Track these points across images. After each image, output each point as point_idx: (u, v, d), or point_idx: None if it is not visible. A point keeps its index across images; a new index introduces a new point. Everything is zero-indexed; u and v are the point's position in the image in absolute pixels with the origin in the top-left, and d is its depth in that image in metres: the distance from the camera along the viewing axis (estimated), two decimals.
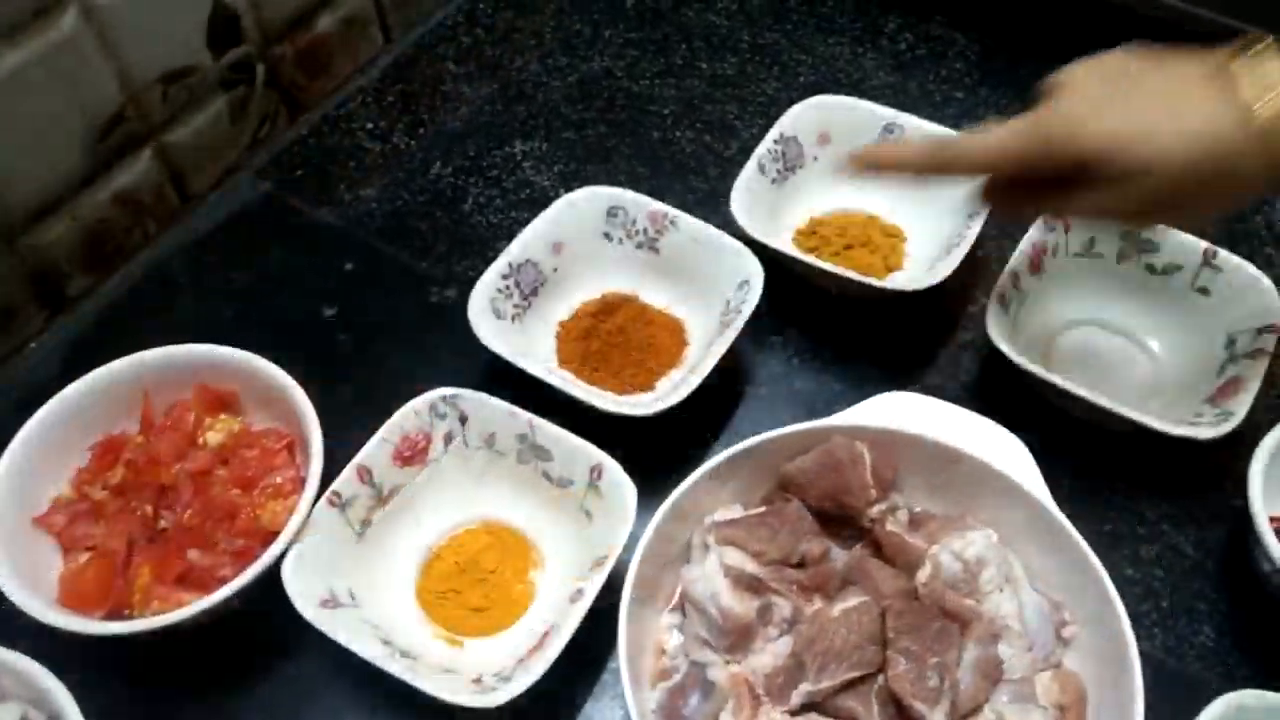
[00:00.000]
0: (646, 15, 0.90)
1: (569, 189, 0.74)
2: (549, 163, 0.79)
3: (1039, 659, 0.50)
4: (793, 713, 0.48)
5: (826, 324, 0.69)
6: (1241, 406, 0.57)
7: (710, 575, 0.51)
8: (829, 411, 0.59)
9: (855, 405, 0.57)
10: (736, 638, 0.50)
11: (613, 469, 0.55)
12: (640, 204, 0.67)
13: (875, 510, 0.54)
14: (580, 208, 0.67)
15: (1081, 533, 0.59)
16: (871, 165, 0.55)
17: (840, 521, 0.55)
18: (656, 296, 0.68)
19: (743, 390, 0.66)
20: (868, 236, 0.71)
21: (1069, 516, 0.60)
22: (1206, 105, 0.45)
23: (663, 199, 0.71)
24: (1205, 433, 0.57)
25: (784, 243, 0.71)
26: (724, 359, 0.61)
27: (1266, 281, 0.63)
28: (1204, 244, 0.65)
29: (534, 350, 0.65)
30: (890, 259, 0.71)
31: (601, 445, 0.57)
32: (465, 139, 0.80)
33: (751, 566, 0.51)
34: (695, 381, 0.59)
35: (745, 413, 0.65)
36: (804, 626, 0.49)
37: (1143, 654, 0.47)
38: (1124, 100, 0.47)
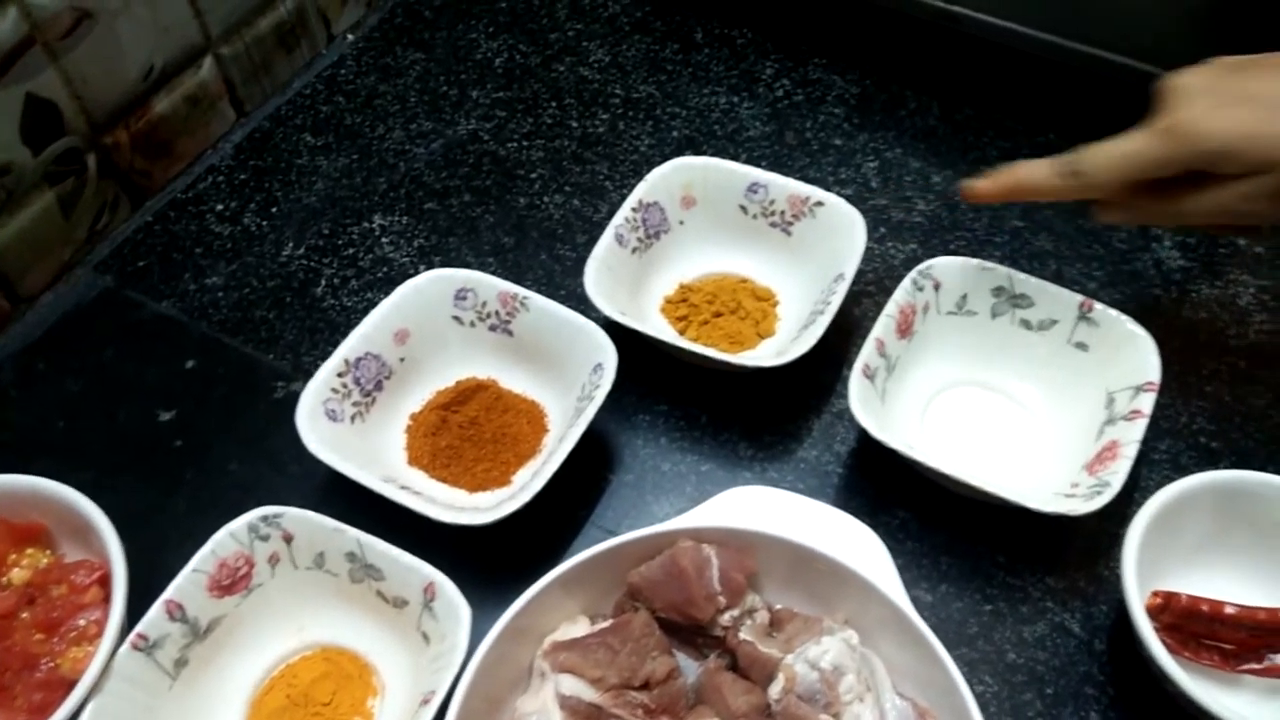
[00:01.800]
0: (515, 73, 0.86)
1: (429, 265, 0.70)
2: (409, 237, 0.75)
3: None
4: None
5: (696, 398, 0.66)
6: (1117, 477, 0.54)
7: (545, 708, 0.47)
8: (702, 496, 0.56)
9: (707, 501, 0.53)
10: None
11: (445, 587, 0.51)
12: (490, 285, 0.63)
13: (727, 617, 0.50)
14: (426, 292, 0.63)
15: (962, 615, 0.57)
16: (998, 194, 0.57)
17: (693, 630, 0.51)
18: (515, 381, 0.65)
19: (608, 478, 0.63)
20: (738, 302, 0.68)
21: (947, 596, 0.58)
22: None
23: (527, 271, 0.68)
24: (1079, 508, 0.53)
25: (650, 314, 0.68)
26: (586, 444, 0.57)
27: (1144, 336, 0.60)
28: (1080, 297, 0.62)
29: (382, 450, 0.61)
30: (762, 325, 0.67)
31: (449, 555, 0.53)
32: (320, 216, 0.76)
33: (590, 695, 0.47)
34: (547, 475, 0.55)
35: (610, 503, 0.61)
36: None
37: None
38: (1243, 98, 0.50)
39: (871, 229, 0.74)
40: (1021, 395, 0.64)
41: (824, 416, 0.65)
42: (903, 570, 0.58)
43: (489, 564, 0.57)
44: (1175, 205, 0.54)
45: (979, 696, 0.47)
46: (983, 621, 0.57)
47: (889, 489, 0.62)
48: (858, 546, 0.51)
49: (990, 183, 0.58)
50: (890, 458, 0.60)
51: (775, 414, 0.65)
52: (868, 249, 0.65)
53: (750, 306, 0.68)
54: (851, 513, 0.61)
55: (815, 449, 0.64)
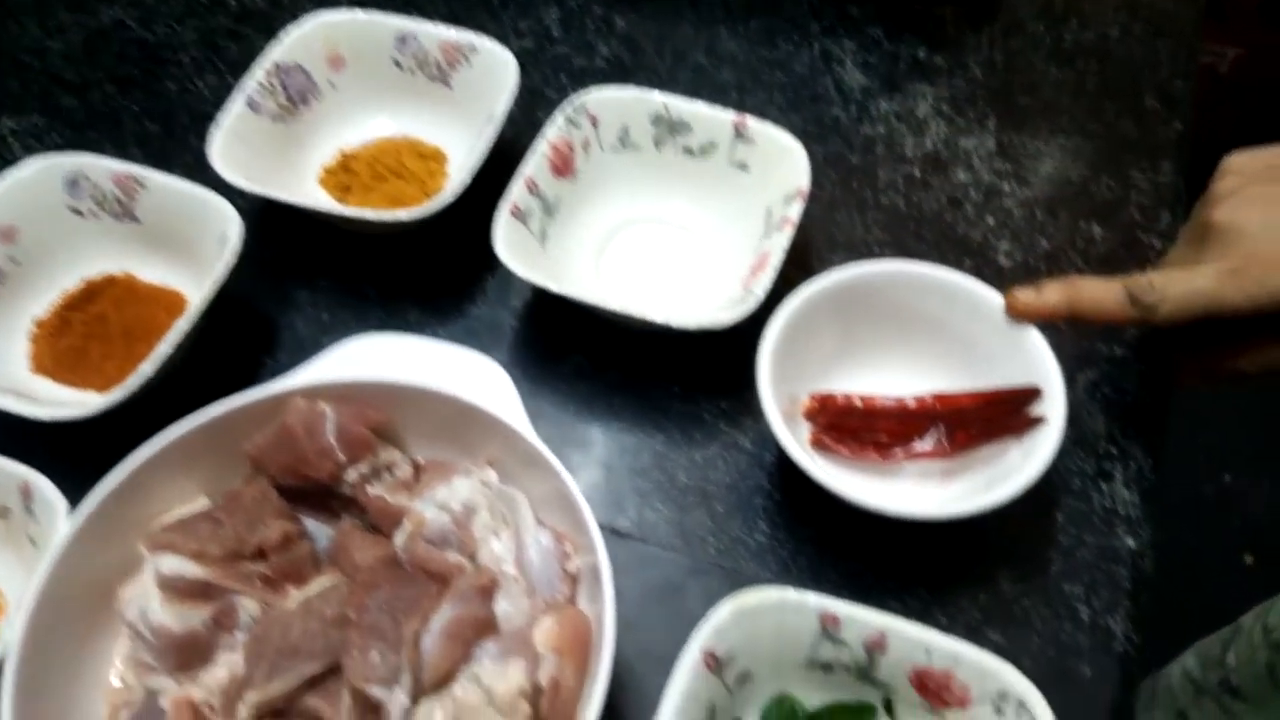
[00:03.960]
0: None
1: None
2: (42, 137, 0.68)
3: (542, 602, 0.45)
4: None
5: (362, 268, 0.62)
6: (761, 285, 0.53)
7: (144, 592, 0.43)
8: None
9: (321, 354, 0.50)
10: (182, 656, 0.43)
11: (40, 486, 0.46)
12: (102, 168, 0.58)
13: (354, 474, 0.47)
14: (30, 184, 0.57)
15: (635, 448, 0.56)
16: (1049, 312, 0.50)
17: (323, 495, 0.48)
18: (152, 272, 0.59)
19: (264, 361, 0.58)
20: (401, 164, 0.64)
21: (620, 432, 0.57)
22: None
23: (177, 158, 0.62)
24: (720, 319, 0.52)
25: (307, 186, 0.63)
26: (235, 325, 0.53)
27: (796, 147, 0.59)
28: (732, 115, 0.60)
29: (6, 360, 0.56)
30: (429, 185, 0.64)
31: (68, 459, 0.48)
32: None
33: (194, 571, 0.43)
34: (159, 359, 0.50)
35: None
36: (256, 626, 0.43)
37: (695, 562, 0.46)
38: None
39: (553, 77, 0.71)
40: (694, 224, 0.62)
41: (498, 272, 0.62)
42: (576, 412, 0.57)
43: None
44: (1261, 356, 0.49)
45: (649, 523, 0.46)
46: (655, 451, 0.56)
47: (564, 337, 0.59)
48: (486, 384, 0.49)
49: (1040, 298, 0.50)
50: (563, 306, 0.58)
51: (445, 274, 0.62)
52: (547, 98, 0.62)
53: (415, 167, 0.64)
54: (525, 364, 0.59)
55: (488, 306, 0.61)
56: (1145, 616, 0.51)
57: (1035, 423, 0.49)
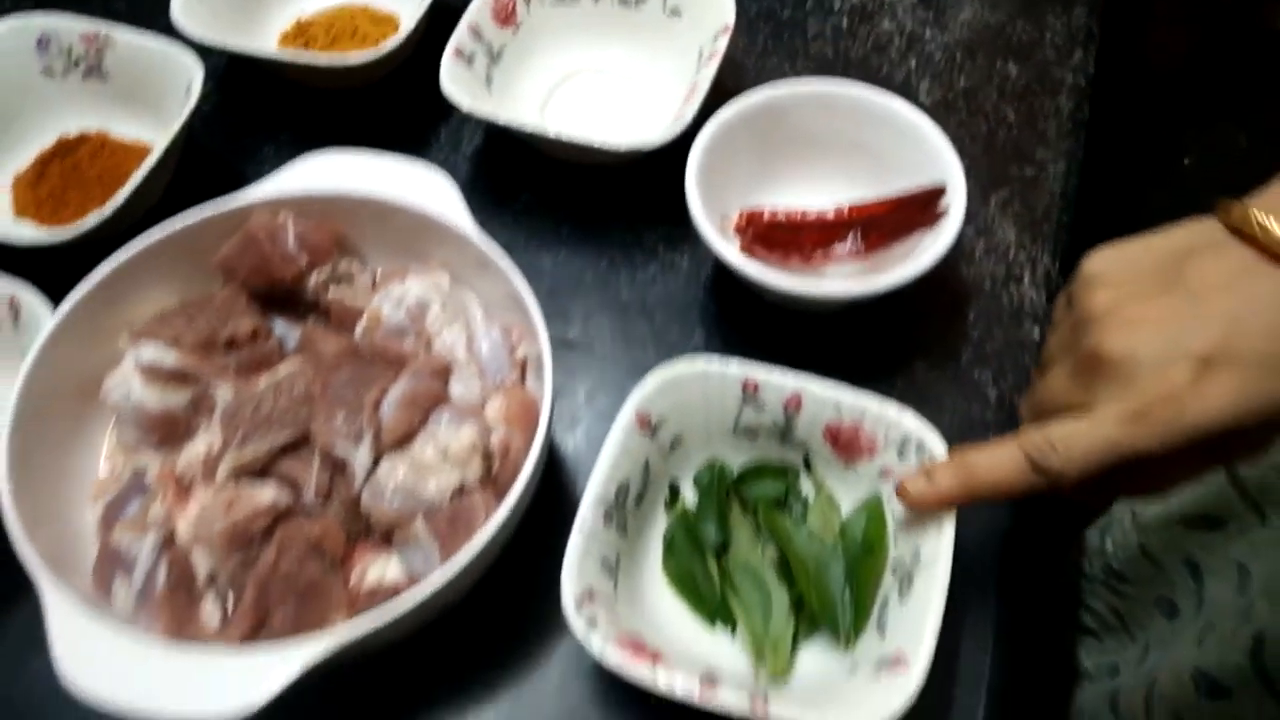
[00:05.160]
0: None
1: None
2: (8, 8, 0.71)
3: (492, 385, 0.50)
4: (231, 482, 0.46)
5: (315, 118, 0.66)
6: (689, 111, 0.57)
7: (125, 379, 0.47)
8: None
9: (279, 170, 0.54)
10: (164, 433, 0.47)
11: (28, 300, 0.50)
12: (69, 27, 0.61)
13: (316, 279, 0.51)
14: (3, 47, 0.61)
15: (579, 271, 0.61)
16: (948, 497, 0.44)
17: (287, 301, 0.52)
18: (125, 128, 0.63)
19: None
20: (355, 26, 0.68)
21: (568, 258, 0.61)
22: None
23: (151, 20, 0.65)
24: (653, 140, 0.57)
25: (266, 49, 0.67)
26: (195, 167, 0.57)
27: None
28: None
29: None
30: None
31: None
32: None
33: (172, 359, 0.48)
34: (128, 190, 0.54)
35: None
36: (229, 404, 0.47)
37: (636, 365, 0.49)
38: (1216, 331, 0.38)
39: None
40: (633, 73, 0.66)
41: (450, 120, 0.66)
42: (526, 245, 0.61)
43: None
44: (1160, 481, 0.43)
45: (593, 334, 0.51)
46: (599, 272, 0.60)
47: (513, 177, 0.64)
48: (437, 195, 0.52)
49: (932, 486, 0.44)
50: (511, 149, 0.62)
51: (401, 126, 0.66)
52: None
53: (369, 31, 0.68)
54: (478, 204, 0.62)
55: (442, 152, 0.65)
56: None
57: (941, 216, 0.54)
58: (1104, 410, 0.40)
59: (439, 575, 0.41)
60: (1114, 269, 0.41)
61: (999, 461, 0.42)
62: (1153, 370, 0.39)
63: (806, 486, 0.50)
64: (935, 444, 0.46)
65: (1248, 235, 0.38)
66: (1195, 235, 0.40)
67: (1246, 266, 0.38)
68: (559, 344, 0.55)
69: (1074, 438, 0.40)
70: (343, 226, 0.52)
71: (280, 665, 0.39)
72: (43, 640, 0.40)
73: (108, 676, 0.38)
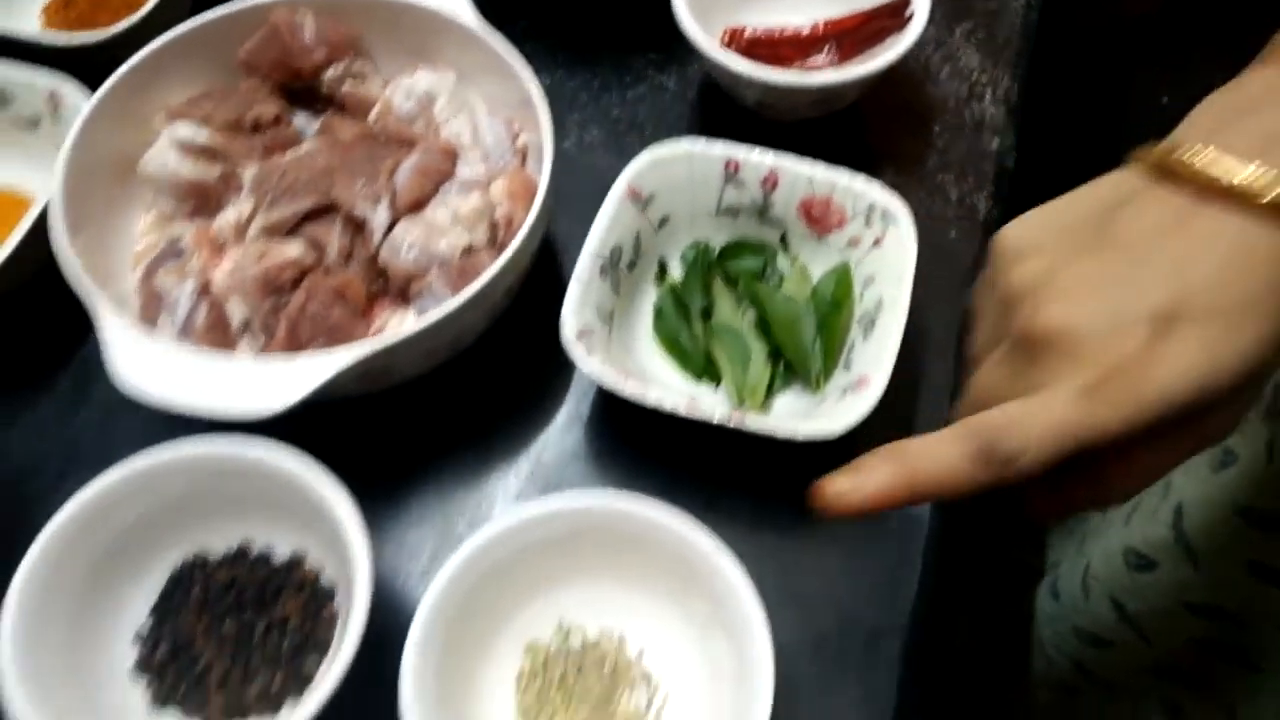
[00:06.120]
0: None
1: None
2: None
3: (496, 168, 0.54)
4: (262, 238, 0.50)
5: None
6: None
7: (161, 153, 0.52)
8: None
9: None
10: (198, 202, 0.52)
11: (70, 94, 0.55)
12: None
13: (333, 72, 0.56)
14: None
15: (574, 92, 0.65)
16: (880, 499, 0.35)
17: (306, 94, 0.57)
18: None
19: None
20: None
21: (562, 81, 0.65)
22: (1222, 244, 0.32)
23: None
24: None
25: None
26: None
27: None
28: None
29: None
30: None
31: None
32: None
33: (204, 137, 0.52)
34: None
35: None
36: (257, 174, 0.52)
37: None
38: (1164, 287, 0.32)
39: None
40: None
41: None
42: None
43: None
44: (1114, 483, 0.36)
45: (587, 145, 0.55)
46: (593, 92, 0.65)
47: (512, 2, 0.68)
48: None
49: (859, 484, 0.35)
50: None
51: None
52: None
53: None
54: None
55: None
56: (1004, 196, 0.61)
57: (909, 21, 0.58)
58: (1053, 392, 0.33)
59: (452, 302, 0.45)
60: (1034, 236, 0.36)
61: (944, 448, 0.34)
62: (1101, 340, 0.33)
63: (784, 263, 0.55)
64: (900, 211, 0.51)
65: (1174, 175, 0.34)
66: (1117, 186, 0.36)
67: (1179, 209, 0.33)
68: (554, 153, 0.60)
69: (1028, 420, 0.33)
70: (357, 28, 0.57)
71: (312, 371, 0.43)
72: (88, 391, 0.44)
73: (158, 380, 0.43)
